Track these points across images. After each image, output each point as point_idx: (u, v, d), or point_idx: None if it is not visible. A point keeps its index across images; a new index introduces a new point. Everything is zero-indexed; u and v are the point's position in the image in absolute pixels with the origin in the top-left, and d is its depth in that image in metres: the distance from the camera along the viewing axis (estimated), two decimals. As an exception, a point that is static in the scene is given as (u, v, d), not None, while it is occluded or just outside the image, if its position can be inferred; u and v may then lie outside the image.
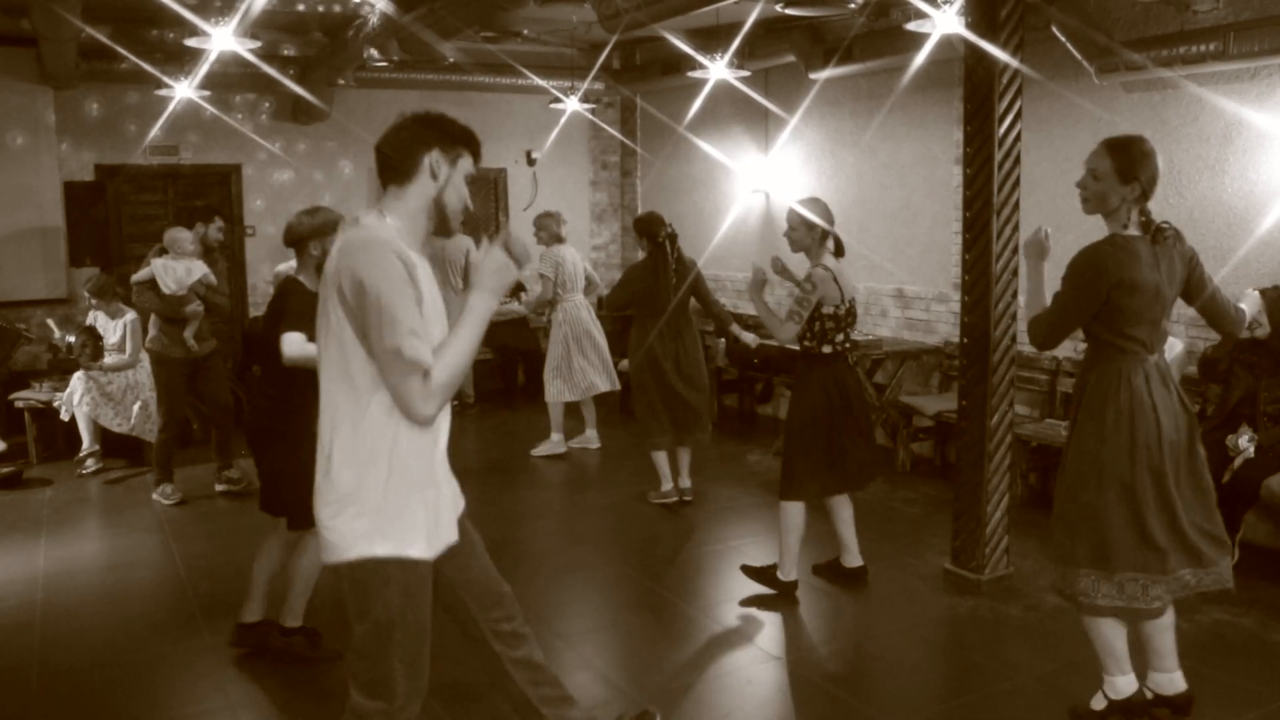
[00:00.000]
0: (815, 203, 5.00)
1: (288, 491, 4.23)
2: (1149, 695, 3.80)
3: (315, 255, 4.31)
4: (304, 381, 3.97)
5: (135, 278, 7.04)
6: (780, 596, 5.17)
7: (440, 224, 2.69)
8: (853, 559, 5.39)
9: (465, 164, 2.69)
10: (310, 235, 4.33)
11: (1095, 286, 3.55)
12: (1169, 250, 3.68)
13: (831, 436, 5.03)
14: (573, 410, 8.27)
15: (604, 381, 7.96)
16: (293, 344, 4.10)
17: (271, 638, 4.49)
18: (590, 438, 8.29)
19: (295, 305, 4.18)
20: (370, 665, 2.65)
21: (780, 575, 5.22)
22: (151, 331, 6.95)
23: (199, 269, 6.98)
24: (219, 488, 7.16)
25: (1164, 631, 3.74)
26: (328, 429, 2.58)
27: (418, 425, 2.54)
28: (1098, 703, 3.80)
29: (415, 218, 2.65)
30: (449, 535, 2.73)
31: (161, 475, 7.00)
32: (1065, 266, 3.65)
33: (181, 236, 6.99)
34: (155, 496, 6.97)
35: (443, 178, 2.64)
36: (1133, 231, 3.63)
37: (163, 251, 6.97)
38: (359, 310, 2.46)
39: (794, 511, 5.13)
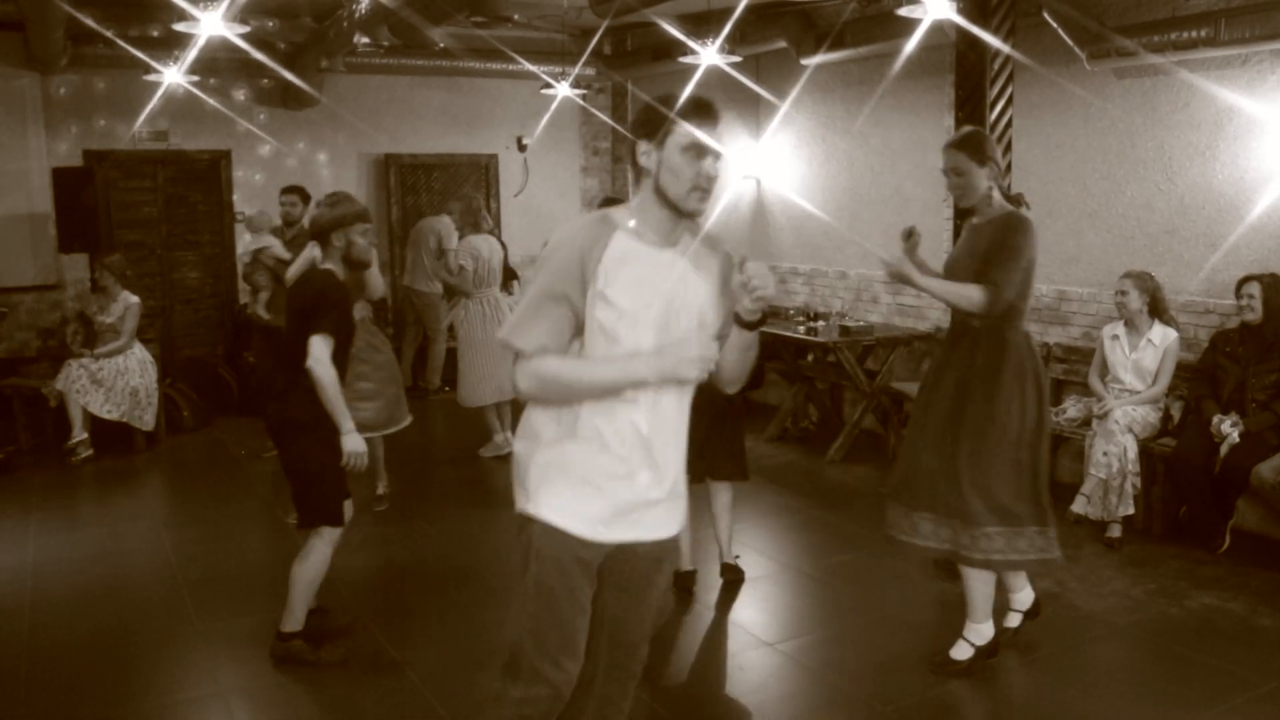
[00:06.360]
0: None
1: (318, 487, 4.18)
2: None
3: (339, 247, 4.20)
4: None
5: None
6: (685, 589, 5.06)
7: (671, 207, 2.55)
8: (685, 562, 5.08)
9: (677, 138, 2.51)
10: (332, 226, 4.20)
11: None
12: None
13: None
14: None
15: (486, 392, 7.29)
16: (324, 366, 4.01)
17: (273, 644, 4.35)
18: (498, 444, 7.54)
19: (329, 299, 4.11)
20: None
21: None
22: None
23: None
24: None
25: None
26: None
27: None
28: (962, 652, 4.18)
29: (646, 208, 2.58)
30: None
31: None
32: (1012, 230, 3.89)
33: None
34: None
35: (654, 164, 2.53)
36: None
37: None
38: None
39: None
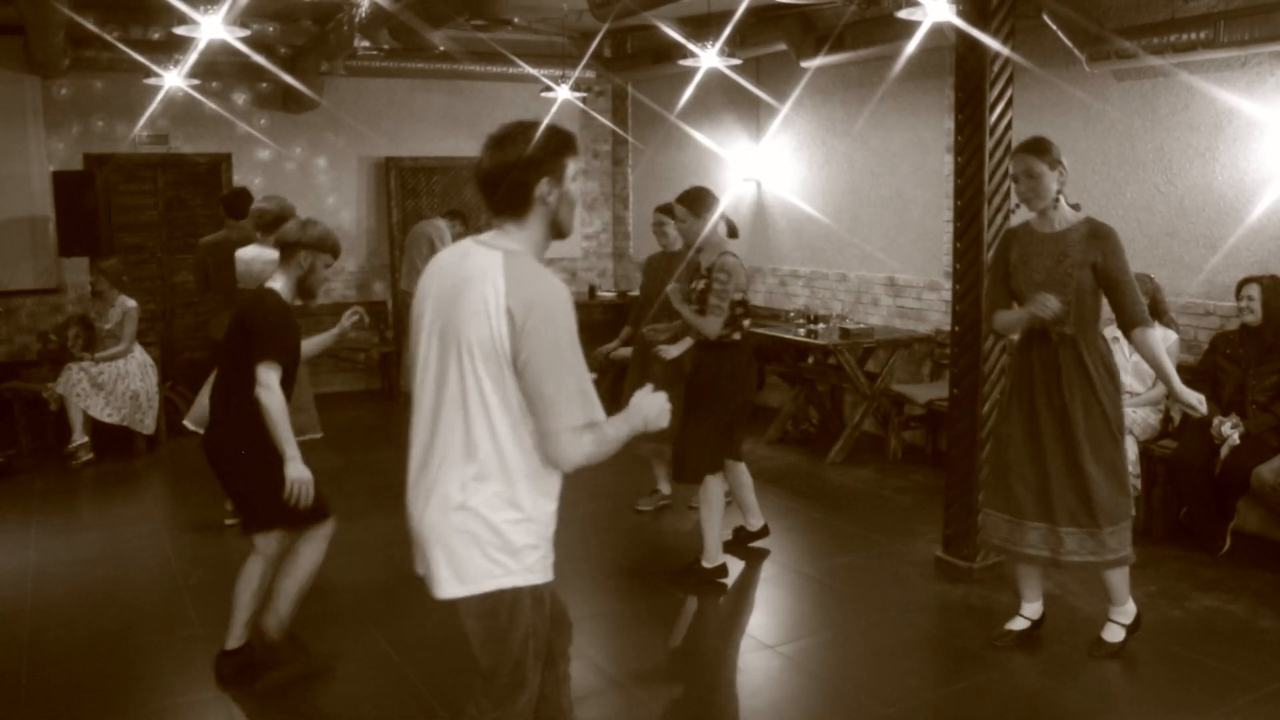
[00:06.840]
0: (700, 191, 5.15)
1: (271, 502, 3.97)
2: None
3: (303, 267, 4.07)
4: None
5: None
6: (713, 584, 5.21)
7: (559, 234, 2.65)
8: (755, 520, 5.67)
9: (570, 171, 2.60)
10: (304, 245, 4.07)
11: None
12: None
13: (729, 418, 5.17)
14: None
15: None
16: (274, 394, 3.87)
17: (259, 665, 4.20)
18: None
19: (277, 324, 3.98)
20: None
21: (705, 562, 5.24)
22: None
23: None
24: None
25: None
26: (492, 448, 2.50)
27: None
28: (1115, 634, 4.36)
29: (539, 241, 2.62)
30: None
31: None
32: (1116, 244, 4.16)
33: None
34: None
35: (556, 199, 2.57)
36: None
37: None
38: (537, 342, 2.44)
39: (715, 490, 5.16)
